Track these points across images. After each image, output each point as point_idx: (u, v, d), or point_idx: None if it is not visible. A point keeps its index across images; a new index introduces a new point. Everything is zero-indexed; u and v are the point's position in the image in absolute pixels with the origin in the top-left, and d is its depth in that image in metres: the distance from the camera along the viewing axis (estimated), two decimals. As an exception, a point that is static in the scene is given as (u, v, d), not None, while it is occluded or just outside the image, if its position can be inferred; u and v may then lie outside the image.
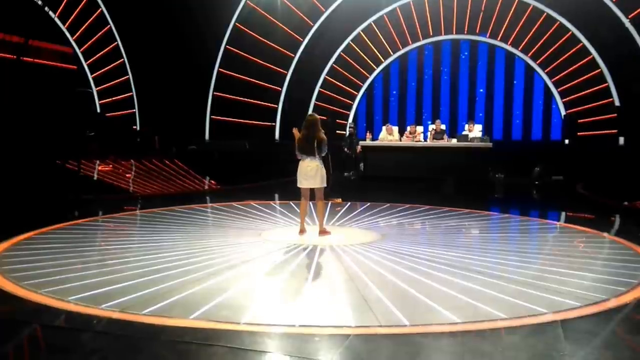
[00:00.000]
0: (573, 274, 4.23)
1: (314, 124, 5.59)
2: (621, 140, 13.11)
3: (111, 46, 16.56)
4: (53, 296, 3.52)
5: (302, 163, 5.60)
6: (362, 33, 15.40)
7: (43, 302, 3.44)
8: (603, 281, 4.04)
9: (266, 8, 15.26)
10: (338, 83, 15.57)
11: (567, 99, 13.86)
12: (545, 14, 13.86)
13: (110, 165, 11.68)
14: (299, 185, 5.66)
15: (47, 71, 10.34)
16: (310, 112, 13.62)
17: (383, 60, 15.42)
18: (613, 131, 13.18)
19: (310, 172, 5.54)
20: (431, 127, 12.67)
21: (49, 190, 8.57)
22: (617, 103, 13.29)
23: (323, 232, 5.63)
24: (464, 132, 12.35)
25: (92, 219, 6.62)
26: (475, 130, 12.16)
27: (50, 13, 15.61)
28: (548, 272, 4.27)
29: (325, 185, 5.66)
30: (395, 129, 12.84)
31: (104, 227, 6.40)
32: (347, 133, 13.23)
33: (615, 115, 13.17)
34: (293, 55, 15.58)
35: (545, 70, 14.07)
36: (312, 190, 5.68)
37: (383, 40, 15.26)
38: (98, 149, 12.46)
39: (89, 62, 16.96)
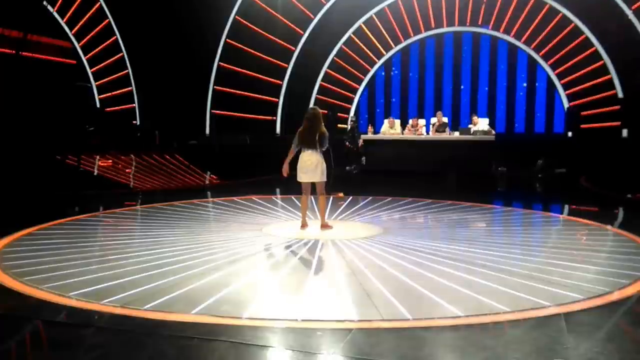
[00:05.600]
0: (576, 267, 4.21)
1: (316, 117, 5.54)
2: (624, 132, 13.04)
3: (110, 40, 16.50)
4: (54, 292, 3.51)
5: (302, 157, 5.56)
6: (363, 25, 15.30)
7: (44, 297, 3.43)
8: (606, 274, 4.02)
9: (266, 1, 15.17)
10: (339, 76, 15.50)
11: (570, 91, 13.78)
12: (548, 5, 13.75)
13: (110, 161, 11.67)
14: (298, 179, 5.62)
15: (46, 66, 10.30)
16: (311, 105, 13.58)
17: (385, 53, 15.33)
18: (616, 123, 13.11)
19: (310, 166, 5.50)
20: (433, 119, 12.60)
21: (48, 185, 8.56)
22: (620, 95, 13.20)
23: (325, 226, 5.61)
24: (469, 126, 12.27)
25: (92, 215, 6.61)
26: (480, 124, 12.06)
27: (49, 7, 15.55)
28: (551, 265, 4.25)
29: (325, 179, 5.63)
30: (397, 122, 12.78)
31: (105, 222, 6.39)
32: (349, 127, 13.18)
33: (619, 107, 13.09)
34: (294, 49, 15.50)
35: (548, 63, 13.98)
36: (313, 184, 5.65)
37: (384, 32, 15.16)
38: (98, 144, 12.44)
39: (88, 56, 16.91)
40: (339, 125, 14.28)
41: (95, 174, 10.68)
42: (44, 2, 13.08)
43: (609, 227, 5.99)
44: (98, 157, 11.76)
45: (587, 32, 13.42)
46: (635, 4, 12.69)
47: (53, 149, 9.88)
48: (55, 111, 9.92)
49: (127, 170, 11.35)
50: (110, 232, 5.89)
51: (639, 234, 5.34)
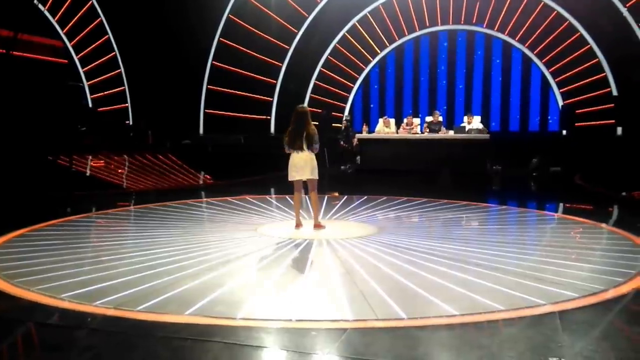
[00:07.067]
0: (571, 265, 4.21)
1: (303, 116, 5.45)
2: (619, 130, 13.11)
3: (102, 39, 16.38)
4: (46, 294, 3.47)
5: (292, 156, 5.48)
6: (357, 24, 15.29)
7: (36, 299, 3.40)
8: (601, 272, 4.03)
9: (260, -1, 15.14)
10: (334, 75, 15.48)
11: (565, 89, 13.83)
12: (542, 3, 13.80)
13: (103, 161, 11.60)
14: (290, 178, 5.55)
15: (38, 65, 10.21)
16: (304, 104, 13.53)
17: (379, 51, 15.33)
18: (611, 121, 13.17)
19: (299, 163, 5.41)
20: (429, 118, 12.60)
21: (40, 186, 8.49)
22: (614, 93, 13.26)
23: (318, 226, 5.54)
24: (462, 124, 12.29)
25: (84, 216, 6.56)
26: (474, 122, 12.07)
27: (40, 6, 15.42)
28: (546, 264, 4.25)
29: (316, 177, 5.56)
30: (392, 121, 12.77)
31: (97, 223, 6.34)
32: (343, 126, 13.16)
33: (613, 105, 13.15)
34: (288, 48, 15.46)
35: (543, 61, 14.03)
36: (305, 183, 5.60)
37: (379, 31, 15.16)
38: (90, 144, 12.36)
39: (79, 55, 16.78)
40: (334, 125, 14.26)
41: (87, 174, 10.60)
42: (35, 1, 12.95)
43: (603, 225, 6.01)
44: (90, 157, 11.68)
45: (582, 30, 13.48)
46: (629, 1, 12.75)
47: (45, 149, 9.78)
48: (46, 111, 9.83)
49: (119, 171, 11.28)
50: (103, 232, 5.85)
51: (634, 232, 5.35)
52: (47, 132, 9.74)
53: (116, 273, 3.95)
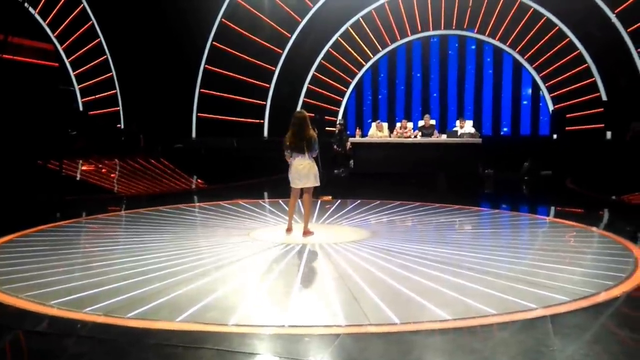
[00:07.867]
0: (562, 269, 4.24)
1: (303, 121, 5.48)
2: (608, 134, 13.26)
3: (94, 43, 16.28)
4: (35, 300, 3.43)
5: (294, 163, 5.49)
6: (350, 29, 15.35)
7: (25, 306, 3.35)
8: (592, 276, 4.05)
9: (253, 3, 15.13)
10: (327, 79, 15.51)
11: (555, 94, 13.98)
12: (532, 9, 13.95)
13: (94, 165, 11.50)
14: (292, 185, 5.55)
15: (28, 69, 10.12)
16: (299, 108, 13.53)
17: (372, 56, 15.40)
18: (600, 125, 13.32)
19: (303, 171, 5.43)
20: (421, 122, 12.66)
21: (30, 191, 8.40)
22: (604, 97, 13.42)
23: (307, 232, 5.50)
24: (454, 129, 12.35)
25: (75, 221, 6.49)
26: (466, 127, 12.14)
27: (31, 9, 15.30)
28: (538, 267, 4.27)
29: (318, 183, 5.57)
30: (385, 125, 12.82)
31: (88, 228, 6.28)
32: (337, 130, 13.18)
33: (603, 109, 13.31)
34: (281, 52, 15.48)
35: (533, 66, 14.17)
36: (302, 188, 5.59)
37: (371, 36, 15.23)
38: (81, 148, 12.25)
39: (71, 59, 16.66)
40: (327, 129, 14.27)
41: (78, 178, 10.51)
42: (26, 4, 12.86)
43: (594, 229, 6.06)
44: (81, 161, 11.58)
45: (571, 36, 13.64)
46: (618, 7, 12.93)
47: (35, 153, 9.69)
48: (37, 115, 9.75)
49: (111, 175, 11.20)
50: (94, 238, 5.79)
51: (624, 236, 5.40)
52: (37, 136, 9.64)
53: (107, 279, 3.91)
